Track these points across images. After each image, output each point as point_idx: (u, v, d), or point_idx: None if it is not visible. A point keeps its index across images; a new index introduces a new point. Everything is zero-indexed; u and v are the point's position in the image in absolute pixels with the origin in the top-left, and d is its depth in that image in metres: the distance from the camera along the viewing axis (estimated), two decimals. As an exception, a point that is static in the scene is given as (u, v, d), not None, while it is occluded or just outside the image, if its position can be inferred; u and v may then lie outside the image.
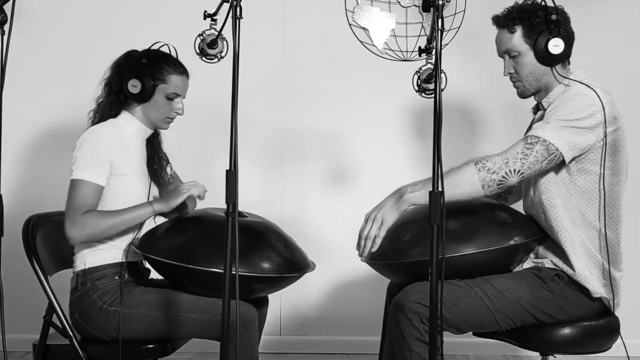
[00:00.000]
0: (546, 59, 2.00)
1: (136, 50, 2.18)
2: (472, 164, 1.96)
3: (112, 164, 2.07)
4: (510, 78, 2.10)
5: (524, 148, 1.93)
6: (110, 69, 2.18)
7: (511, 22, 2.03)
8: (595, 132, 1.93)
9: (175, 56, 2.20)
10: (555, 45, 1.98)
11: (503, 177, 1.93)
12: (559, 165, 1.97)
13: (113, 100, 2.16)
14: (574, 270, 1.96)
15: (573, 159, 1.95)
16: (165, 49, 2.19)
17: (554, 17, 1.97)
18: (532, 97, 2.12)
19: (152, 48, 2.18)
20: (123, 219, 2.04)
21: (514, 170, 1.92)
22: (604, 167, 1.96)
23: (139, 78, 2.10)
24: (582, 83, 2.00)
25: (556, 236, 1.99)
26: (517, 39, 2.02)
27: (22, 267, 2.17)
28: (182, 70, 2.17)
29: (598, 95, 1.94)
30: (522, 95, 2.11)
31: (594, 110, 1.93)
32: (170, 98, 2.15)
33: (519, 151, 1.94)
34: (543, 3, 2.00)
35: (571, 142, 1.92)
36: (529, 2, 2.05)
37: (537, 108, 2.14)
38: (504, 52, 2.07)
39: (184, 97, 2.20)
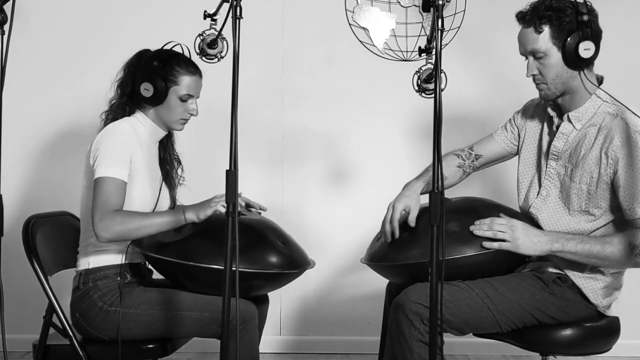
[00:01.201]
0: (575, 62, 1.88)
1: (148, 50, 2.16)
2: (629, 247, 1.85)
3: (131, 159, 2.06)
4: (534, 79, 1.98)
5: None
6: (122, 70, 2.17)
7: (538, 20, 1.89)
8: None
9: (189, 56, 2.17)
10: (586, 49, 1.86)
11: None
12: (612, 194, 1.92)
13: (126, 102, 2.15)
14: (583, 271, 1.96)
15: None
16: (177, 49, 2.17)
17: (585, 17, 1.84)
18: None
19: (163, 48, 2.16)
20: (152, 222, 2.00)
21: None
22: None
23: (150, 81, 2.08)
24: (618, 102, 1.91)
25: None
26: (545, 40, 1.90)
27: (22, 267, 2.17)
28: (194, 70, 2.14)
29: None
30: (546, 98, 2.00)
31: None
32: (183, 100, 2.13)
33: None
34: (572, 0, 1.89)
35: None
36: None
37: (559, 111, 2.04)
38: (529, 52, 1.94)
39: (198, 97, 2.18)
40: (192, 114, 2.17)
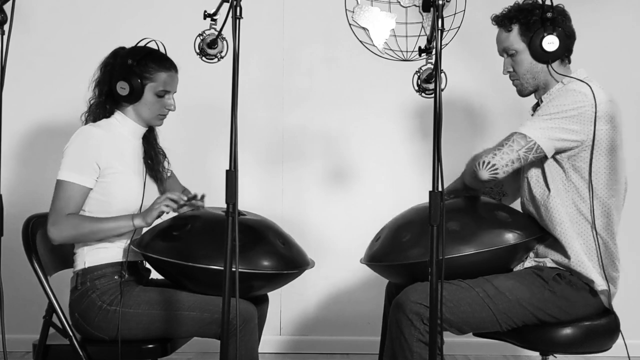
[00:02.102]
0: (541, 56, 2.02)
1: (123, 48, 2.17)
2: (472, 159, 2.04)
3: (99, 164, 2.06)
4: (509, 76, 2.12)
5: (503, 141, 1.98)
6: (99, 69, 2.18)
7: (508, 21, 2.06)
8: (585, 128, 1.94)
9: (164, 51, 2.18)
10: (550, 43, 1.99)
11: (475, 168, 1.97)
12: (550, 162, 1.99)
13: (104, 101, 2.15)
14: (569, 259, 1.97)
15: (558, 153, 1.97)
16: (152, 45, 2.17)
17: (549, 14, 1.98)
18: (532, 95, 2.13)
19: (138, 45, 2.16)
20: (102, 227, 2.04)
21: (486, 163, 1.95)
22: (591, 164, 1.96)
23: (126, 80, 2.09)
24: (581, 80, 2.00)
25: (555, 230, 1.99)
26: (514, 38, 2.05)
27: (22, 267, 2.17)
28: (168, 66, 2.15)
29: (592, 91, 1.94)
30: (521, 93, 2.13)
31: (584, 105, 1.94)
32: (160, 95, 2.14)
33: (497, 145, 1.98)
34: (540, 1, 2.02)
35: (553, 136, 1.94)
36: (528, 2, 2.06)
37: (537, 106, 2.14)
38: (502, 50, 2.11)
39: (175, 92, 2.19)
40: (170, 109, 2.18)
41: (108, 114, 2.16)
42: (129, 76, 2.09)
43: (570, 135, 1.94)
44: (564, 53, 2.05)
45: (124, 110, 2.17)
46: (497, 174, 1.96)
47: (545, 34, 1.99)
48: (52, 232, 2.02)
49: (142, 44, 2.17)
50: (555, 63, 2.04)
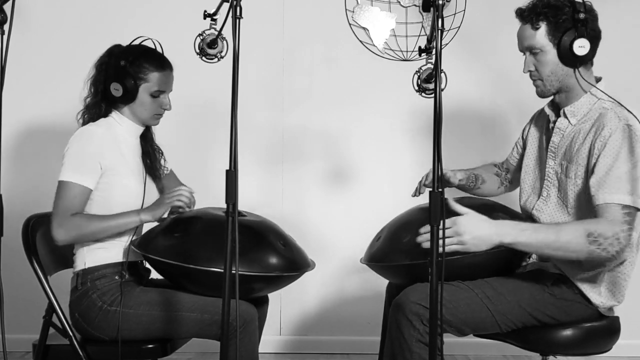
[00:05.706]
0: (570, 60, 1.90)
1: (118, 46, 2.15)
2: (585, 235, 1.78)
3: (102, 165, 2.06)
4: (530, 76, 2.00)
5: (627, 221, 1.79)
6: (94, 68, 2.17)
7: (535, 17, 1.91)
8: None
9: (160, 50, 2.17)
10: (581, 46, 1.87)
11: (615, 254, 1.79)
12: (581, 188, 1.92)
13: (100, 100, 2.15)
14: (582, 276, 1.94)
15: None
16: (148, 44, 2.16)
17: (582, 15, 1.85)
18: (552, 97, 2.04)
19: (133, 44, 2.15)
20: (108, 224, 2.03)
21: (624, 248, 1.79)
22: None
23: (119, 81, 2.08)
24: (614, 100, 1.91)
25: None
26: (541, 36, 1.91)
27: (22, 267, 2.17)
28: (163, 65, 2.14)
29: None
30: (542, 94, 2.01)
31: None
32: (155, 96, 2.13)
33: (624, 228, 1.78)
34: None
35: None
36: None
37: (557, 110, 2.05)
38: (526, 48, 1.96)
39: (171, 91, 2.18)
40: (165, 109, 2.17)
41: (105, 113, 2.15)
42: (123, 77, 2.08)
43: None
44: (592, 56, 1.94)
45: (121, 110, 2.16)
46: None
47: (576, 37, 1.86)
48: (58, 233, 2.00)
49: (137, 42, 2.15)
50: (580, 67, 1.93)
